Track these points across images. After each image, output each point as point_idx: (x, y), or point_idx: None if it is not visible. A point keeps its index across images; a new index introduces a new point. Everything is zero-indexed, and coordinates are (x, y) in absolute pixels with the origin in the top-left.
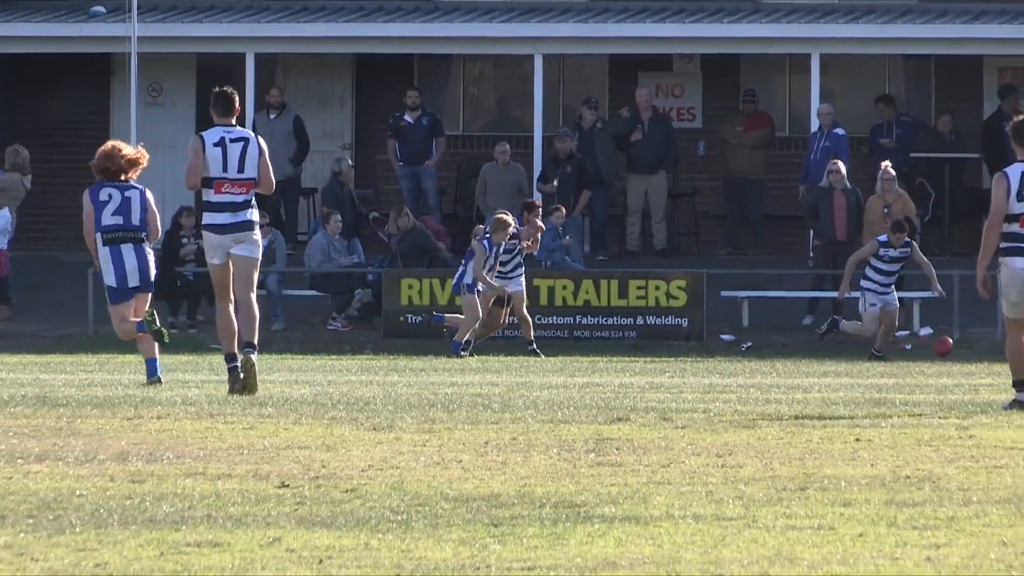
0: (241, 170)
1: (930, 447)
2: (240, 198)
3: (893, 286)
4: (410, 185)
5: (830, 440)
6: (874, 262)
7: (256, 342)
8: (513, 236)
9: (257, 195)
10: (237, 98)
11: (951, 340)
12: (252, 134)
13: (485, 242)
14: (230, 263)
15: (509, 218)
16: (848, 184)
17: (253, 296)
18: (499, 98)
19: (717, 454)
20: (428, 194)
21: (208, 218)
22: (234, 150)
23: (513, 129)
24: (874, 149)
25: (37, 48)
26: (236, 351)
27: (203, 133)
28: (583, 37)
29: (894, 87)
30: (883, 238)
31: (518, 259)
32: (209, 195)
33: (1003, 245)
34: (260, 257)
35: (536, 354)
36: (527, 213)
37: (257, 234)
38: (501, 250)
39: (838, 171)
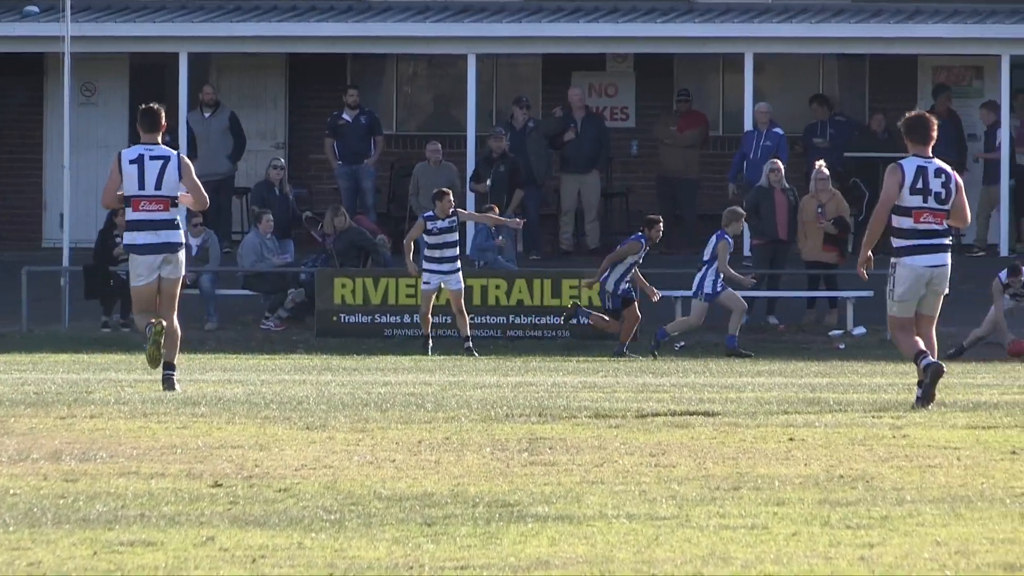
0: (158, 187)
1: (864, 447)
2: (159, 216)
3: None
4: (348, 184)
5: (763, 440)
6: None
7: (175, 362)
8: (451, 215)
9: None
10: (163, 115)
11: None
12: (175, 153)
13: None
14: (156, 284)
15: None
16: (786, 183)
17: (175, 316)
18: (432, 97)
19: (650, 453)
20: (366, 193)
21: (128, 238)
22: (152, 167)
23: (446, 128)
24: (808, 149)
25: None
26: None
27: (122, 151)
28: (516, 37)
29: (828, 87)
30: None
31: (451, 251)
32: (129, 213)
33: (899, 243)
34: (183, 275)
35: (471, 353)
36: (647, 229)
37: (182, 255)
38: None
39: (778, 170)
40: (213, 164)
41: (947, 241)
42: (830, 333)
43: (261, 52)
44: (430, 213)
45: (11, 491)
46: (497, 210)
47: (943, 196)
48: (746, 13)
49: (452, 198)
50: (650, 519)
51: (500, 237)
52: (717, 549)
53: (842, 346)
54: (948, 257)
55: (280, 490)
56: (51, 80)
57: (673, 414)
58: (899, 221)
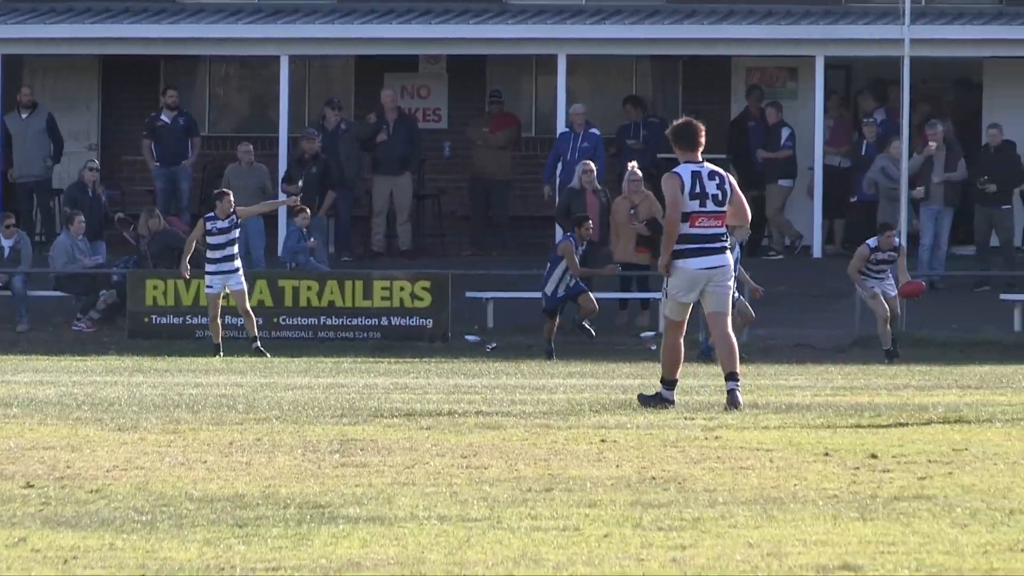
0: None
1: (676, 448)
2: None
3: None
4: (165, 185)
5: (575, 441)
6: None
7: None
8: (231, 215)
9: (6, 193)
10: None
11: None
12: None
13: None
14: None
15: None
16: (599, 185)
17: None
18: (245, 99)
19: (462, 455)
20: (183, 194)
21: None
22: None
23: (260, 130)
24: (621, 150)
25: None
26: None
27: None
28: (329, 38)
29: (641, 88)
30: (872, 242)
31: (232, 249)
32: None
33: (677, 247)
34: None
35: (261, 353)
36: (577, 228)
37: None
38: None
39: (590, 172)
40: (30, 166)
41: (724, 243)
42: (642, 335)
43: (74, 54)
44: (211, 214)
45: None
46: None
47: (720, 198)
48: (559, 14)
49: (232, 198)
50: (462, 521)
51: (312, 239)
52: (529, 551)
53: (654, 347)
54: (727, 257)
55: (92, 491)
56: None
57: (485, 415)
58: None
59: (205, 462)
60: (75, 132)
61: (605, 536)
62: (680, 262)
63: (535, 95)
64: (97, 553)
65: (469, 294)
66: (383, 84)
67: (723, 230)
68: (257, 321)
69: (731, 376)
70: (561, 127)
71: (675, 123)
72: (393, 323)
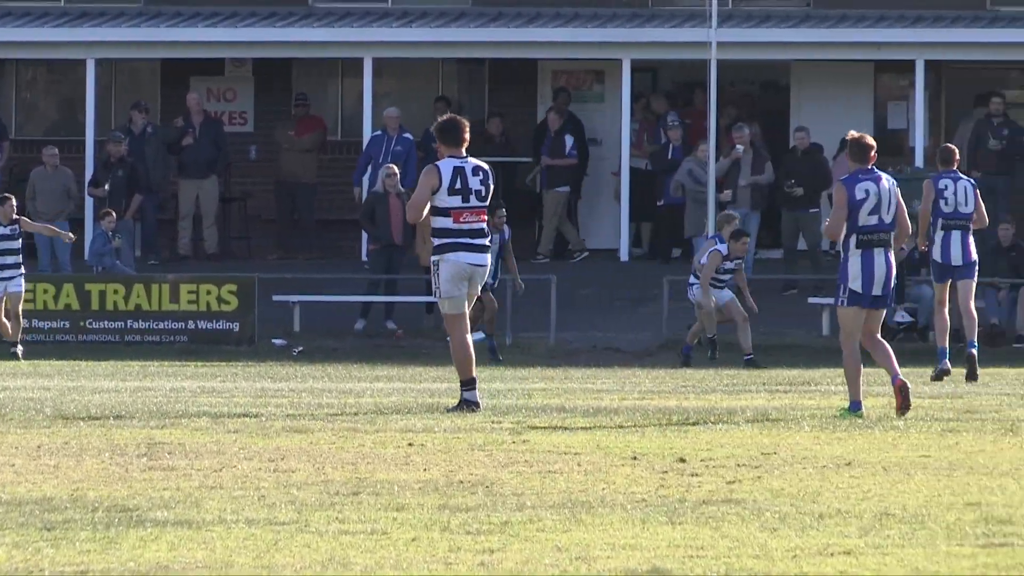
0: None
1: (483, 452)
2: None
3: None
4: None
5: (383, 445)
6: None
7: None
8: (14, 222)
9: None
10: None
11: None
12: None
13: None
14: None
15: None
16: (402, 188)
17: None
18: (52, 102)
19: (269, 458)
20: None
21: None
22: None
23: (67, 133)
24: (429, 153)
25: None
26: None
27: None
28: (135, 42)
29: (448, 90)
30: (724, 248)
31: (13, 258)
32: None
33: (441, 242)
34: None
35: (16, 357)
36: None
37: None
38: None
39: (393, 175)
40: None
41: (487, 242)
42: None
43: None
44: None
45: None
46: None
47: (483, 193)
48: (365, 17)
49: (14, 203)
50: (269, 524)
51: (116, 238)
52: (337, 554)
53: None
54: (488, 258)
55: None
56: None
57: (293, 419)
58: (439, 221)
59: (13, 465)
60: None
61: (413, 540)
62: (450, 255)
63: (341, 98)
64: None
65: (276, 297)
66: (189, 87)
67: (484, 226)
68: (64, 324)
69: (465, 383)
70: (368, 130)
71: (440, 119)
72: (199, 326)
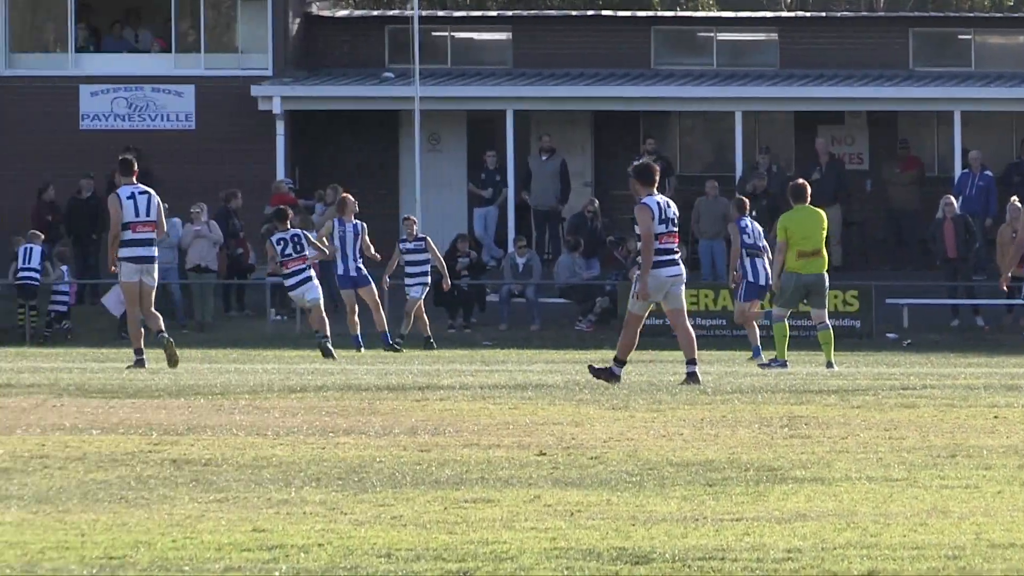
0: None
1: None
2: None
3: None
4: None
5: (974, 417)
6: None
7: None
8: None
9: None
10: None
11: None
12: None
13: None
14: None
15: None
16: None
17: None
18: (707, 146)
19: (885, 428)
20: None
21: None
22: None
23: (719, 170)
24: (1007, 186)
25: (340, 106)
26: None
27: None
28: (774, 97)
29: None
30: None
31: (418, 268)
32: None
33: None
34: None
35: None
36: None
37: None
38: None
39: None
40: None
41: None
42: None
43: None
44: None
45: (377, 460)
46: None
47: (675, 221)
48: (954, 79)
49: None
50: (885, 481)
51: None
52: (938, 504)
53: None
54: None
55: (592, 458)
56: (404, 131)
57: (902, 395)
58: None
59: (682, 434)
60: None
61: (999, 492)
62: (654, 271)
63: (937, 143)
64: (597, 507)
65: (888, 301)
66: (817, 133)
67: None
68: (720, 322)
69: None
70: (958, 168)
71: (635, 163)
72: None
